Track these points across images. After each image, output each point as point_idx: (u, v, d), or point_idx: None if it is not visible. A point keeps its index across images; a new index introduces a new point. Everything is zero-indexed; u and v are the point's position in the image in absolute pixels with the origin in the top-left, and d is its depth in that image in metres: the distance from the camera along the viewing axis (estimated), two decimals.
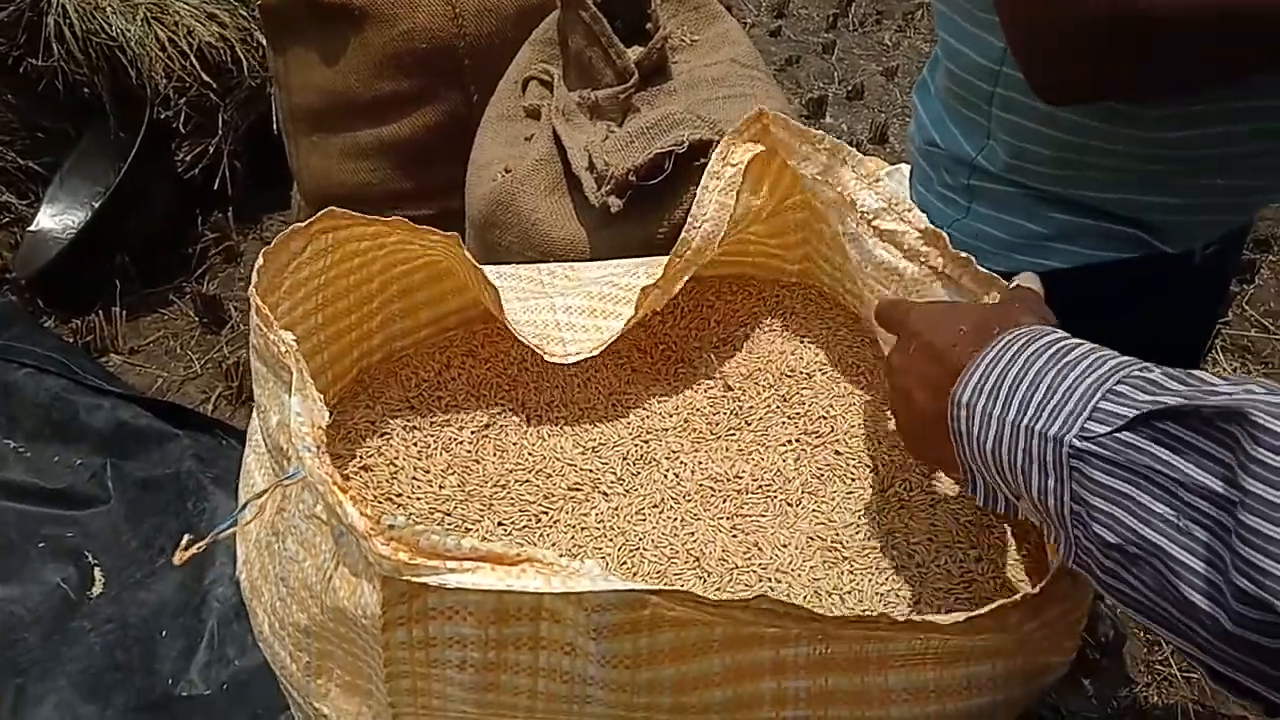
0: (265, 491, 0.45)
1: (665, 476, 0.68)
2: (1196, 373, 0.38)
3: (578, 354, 0.66)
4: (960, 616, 0.43)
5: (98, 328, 1.94)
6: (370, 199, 1.55)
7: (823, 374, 0.75)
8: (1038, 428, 0.39)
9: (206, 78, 2.06)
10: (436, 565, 0.36)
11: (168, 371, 1.94)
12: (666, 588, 0.37)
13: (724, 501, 0.66)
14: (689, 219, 0.66)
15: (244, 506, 0.46)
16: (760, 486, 0.66)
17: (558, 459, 0.69)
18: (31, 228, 2.22)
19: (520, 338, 0.67)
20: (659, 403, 0.74)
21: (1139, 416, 0.36)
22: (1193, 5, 0.57)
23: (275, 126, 2.24)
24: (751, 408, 0.72)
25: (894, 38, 3.22)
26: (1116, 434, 0.36)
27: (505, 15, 1.45)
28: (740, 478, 0.67)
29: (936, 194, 0.87)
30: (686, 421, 0.72)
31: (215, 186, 2.19)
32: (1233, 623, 0.33)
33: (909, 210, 0.64)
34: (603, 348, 0.66)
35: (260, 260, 0.53)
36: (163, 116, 2.09)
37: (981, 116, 0.78)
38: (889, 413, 0.70)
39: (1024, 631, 0.45)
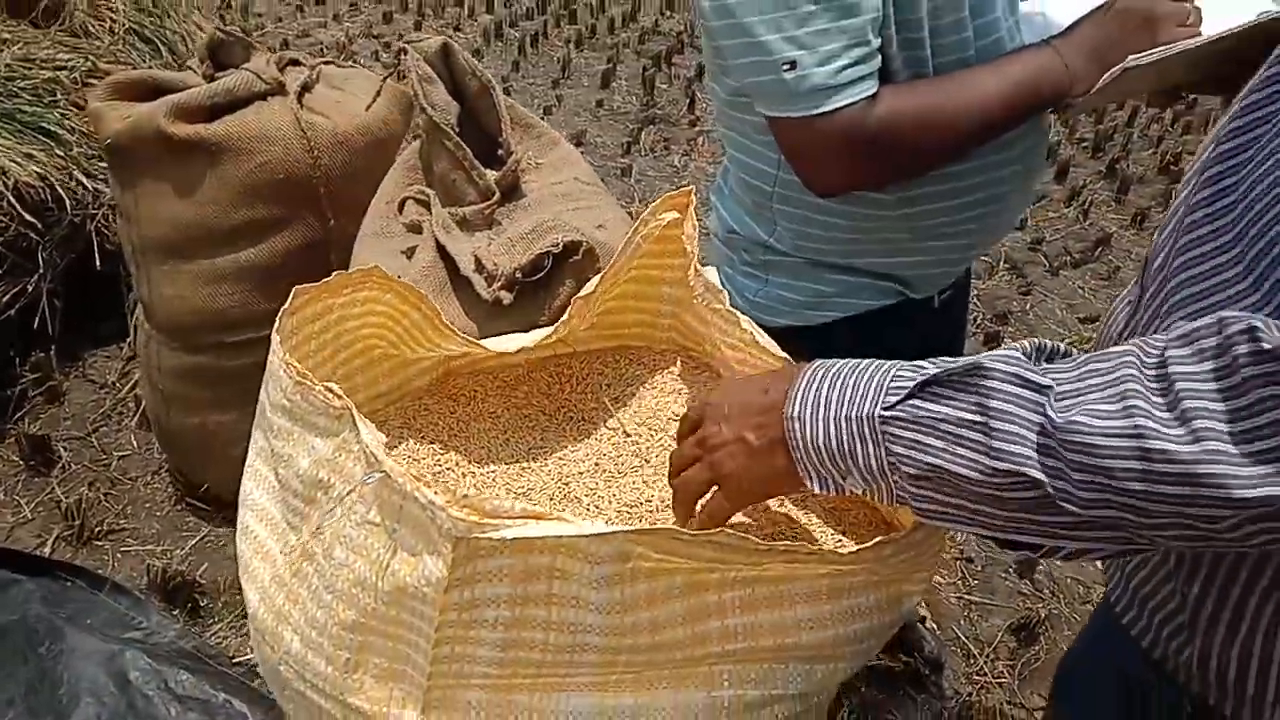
0: (357, 484, 0.55)
1: (588, 509, 0.82)
2: (940, 358, 0.56)
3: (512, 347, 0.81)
4: (855, 547, 0.60)
5: None
6: (229, 322, 1.60)
7: None
8: (853, 413, 0.56)
9: (28, 217, 2.03)
10: (498, 523, 0.48)
11: None
12: (654, 527, 0.51)
13: (640, 520, 0.80)
14: (622, 246, 0.83)
15: (353, 488, 0.55)
16: (667, 505, 0.81)
17: None
18: None
19: (461, 337, 0.81)
20: (571, 452, 0.88)
21: (917, 385, 0.54)
22: (906, 131, 0.87)
23: (97, 262, 2.22)
24: (649, 448, 0.88)
25: (681, 160, 3.61)
26: (905, 401, 0.54)
27: (356, 148, 1.59)
28: (650, 501, 0.82)
29: (740, 272, 1.13)
30: (597, 464, 0.86)
31: (35, 325, 2.13)
32: (1000, 496, 0.51)
33: (722, 293, 0.85)
34: (535, 339, 0.82)
35: (276, 339, 0.64)
36: None
37: (767, 209, 1.05)
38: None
39: (894, 564, 0.63)
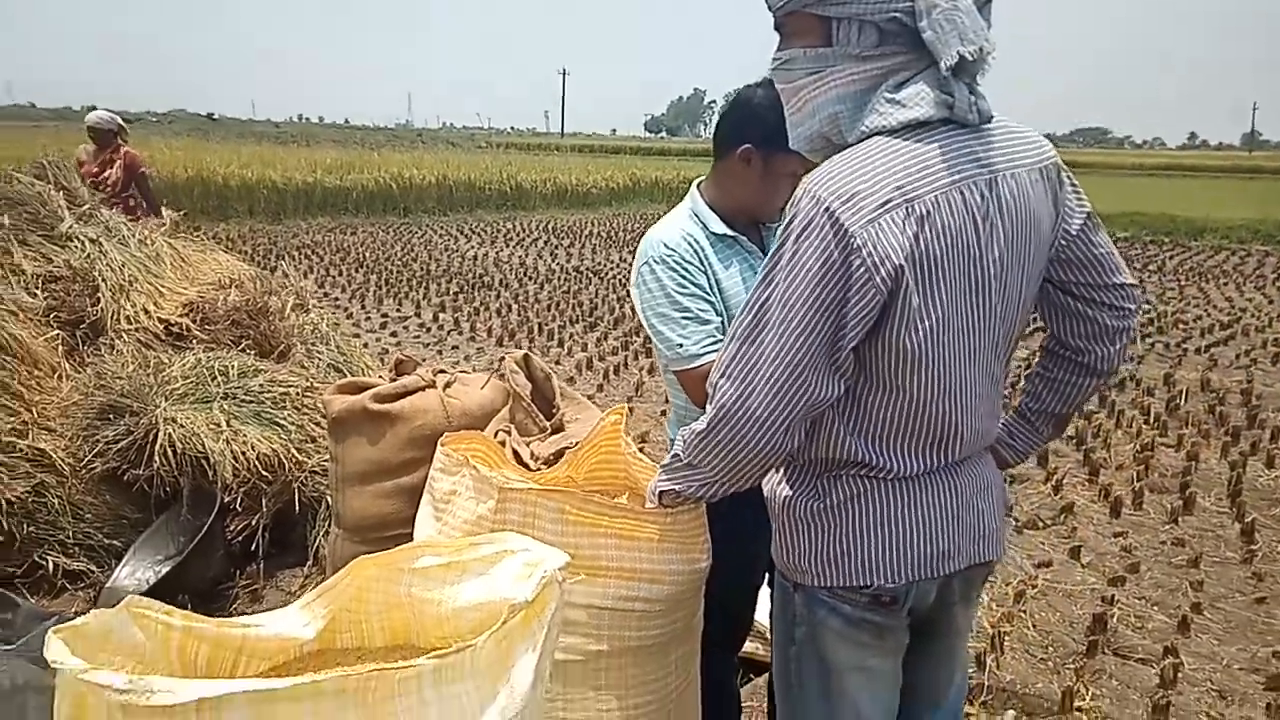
0: (467, 475, 1.47)
1: None
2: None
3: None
4: (645, 505, 1.48)
5: None
6: (389, 524, 2.57)
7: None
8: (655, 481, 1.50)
9: (263, 472, 3.13)
10: (513, 483, 1.39)
11: None
12: (567, 488, 1.41)
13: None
14: (590, 430, 1.78)
15: (465, 483, 1.48)
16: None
17: None
18: (109, 583, 3.07)
19: (521, 469, 1.73)
20: None
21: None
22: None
23: (296, 507, 3.27)
24: None
25: None
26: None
27: (474, 415, 2.64)
28: None
29: None
30: None
31: (253, 548, 3.15)
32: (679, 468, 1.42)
33: (630, 446, 1.78)
34: (554, 473, 1.74)
35: (440, 447, 1.60)
36: (225, 501, 3.12)
37: (688, 422, 1.98)
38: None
39: (678, 529, 1.49)
